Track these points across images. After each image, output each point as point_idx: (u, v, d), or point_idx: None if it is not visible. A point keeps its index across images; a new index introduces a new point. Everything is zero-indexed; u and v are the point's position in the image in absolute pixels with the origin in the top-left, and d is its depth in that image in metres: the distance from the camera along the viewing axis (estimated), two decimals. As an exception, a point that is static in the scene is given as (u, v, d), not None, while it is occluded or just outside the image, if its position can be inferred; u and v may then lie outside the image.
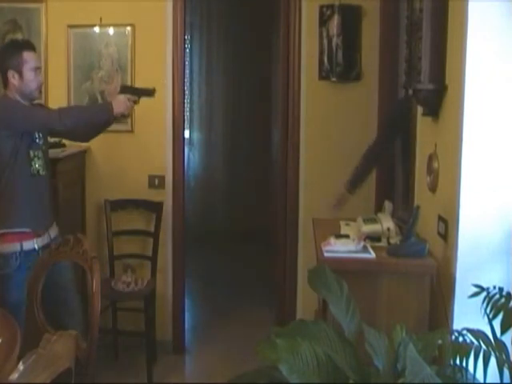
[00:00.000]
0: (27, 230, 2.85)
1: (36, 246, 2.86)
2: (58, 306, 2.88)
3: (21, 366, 1.47)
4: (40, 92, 3.09)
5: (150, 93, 3.13)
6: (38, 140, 2.93)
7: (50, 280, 2.67)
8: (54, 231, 2.99)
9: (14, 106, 2.88)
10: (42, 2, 3.85)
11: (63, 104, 3.86)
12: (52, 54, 3.89)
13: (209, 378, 3.57)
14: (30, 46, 2.97)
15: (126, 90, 3.10)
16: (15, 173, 2.84)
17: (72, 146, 3.79)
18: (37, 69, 2.94)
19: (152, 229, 3.85)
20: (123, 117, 3.09)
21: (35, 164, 2.90)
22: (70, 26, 3.85)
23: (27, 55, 2.90)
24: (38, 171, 2.91)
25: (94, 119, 3.04)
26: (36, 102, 3.10)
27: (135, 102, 3.05)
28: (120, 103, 2.95)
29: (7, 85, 2.91)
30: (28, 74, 2.88)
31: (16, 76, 2.87)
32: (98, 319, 2.29)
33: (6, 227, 2.84)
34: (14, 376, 1.44)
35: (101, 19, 3.79)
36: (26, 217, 2.87)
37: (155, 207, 3.85)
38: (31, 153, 2.88)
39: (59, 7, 3.85)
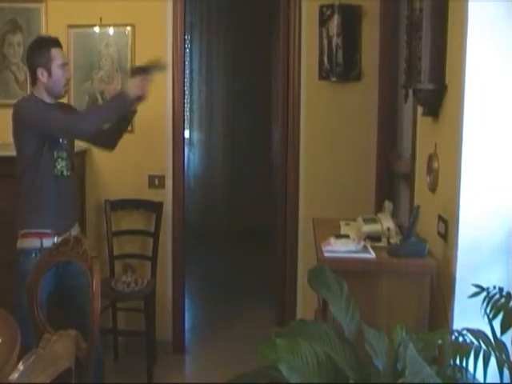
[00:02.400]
0: (48, 230, 2.86)
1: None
2: (76, 307, 2.90)
3: (21, 366, 1.47)
4: (67, 89, 3.09)
5: (161, 67, 3.02)
6: (62, 141, 2.93)
7: (72, 282, 2.79)
8: (75, 231, 2.99)
9: (32, 109, 2.87)
10: (42, 2, 3.85)
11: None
12: (52, 54, 3.88)
13: (209, 378, 3.57)
14: (57, 42, 2.97)
15: (135, 71, 3.01)
16: (39, 173, 2.86)
17: (72, 146, 3.79)
18: (64, 65, 2.94)
19: (152, 229, 3.85)
20: (142, 100, 3.00)
21: (59, 165, 2.90)
22: (70, 26, 3.85)
23: (55, 52, 2.90)
24: (62, 172, 2.91)
25: (113, 112, 2.96)
26: (64, 102, 3.13)
27: (149, 81, 2.94)
28: (133, 86, 2.88)
29: (35, 83, 2.91)
30: (57, 71, 2.88)
31: (45, 74, 2.87)
32: (98, 319, 2.29)
33: (28, 227, 2.88)
34: (14, 376, 1.44)
35: (101, 19, 3.79)
36: (47, 218, 2.88)
37: (155, 207, 3.85)
38: (55, 154, 2.88)
39: (59, 7, 3.85)
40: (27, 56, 2.97)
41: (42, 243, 2.84)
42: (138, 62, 3.82)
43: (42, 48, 2.91)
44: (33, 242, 2.85)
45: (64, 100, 3.86)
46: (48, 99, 2.92)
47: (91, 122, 2.91)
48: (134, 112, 3.11)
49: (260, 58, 6.06)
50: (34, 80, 2.92)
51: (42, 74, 2.87)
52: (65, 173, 2.93)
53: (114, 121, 3.08)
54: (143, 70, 2.97)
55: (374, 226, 2.63)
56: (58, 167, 2.90)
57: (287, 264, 3.98)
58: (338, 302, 1.98)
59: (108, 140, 3.23)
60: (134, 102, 2.95)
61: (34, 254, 2.82)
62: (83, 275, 2.86)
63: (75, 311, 2.89)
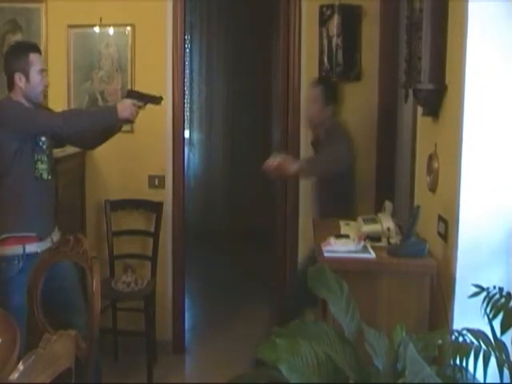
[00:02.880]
0: (31, 234, 2.82)
1: (39, 250, 2.80)
2: (65, 307, 2.88)
3: (21, 366, 1.47)
4: (45, 95, 3.06)
5: (156, 100, 3.03)
6: (42, 144, 2.90)
7: (55, 284, 2.69)
8: (56, 236, 2.96)
9: (16, 107, 2.85)
10: (42, 2, 3.85)
11: (63, 104, 3.87)
12: (52, 54, 3.89)
13: (209, 378, 3.57)
14: (35, 48, 2.95)
15: (132, 94, 3.01)
16: (19, 175, 2.82)
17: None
18: (43, 71, 2.92)
19: (152, 229, 3.84)
20: (128, 122, 3.03)
21: (39, 167, 2.86)
22: (70, 26, 3.85)
23: (33, 57, 2.87)
24: (41, 175, 2.88)
25: (99, 123, 2.98)
26: (42, 105, 3.08)
27: (140, 108, 2.96)
28: (125, 107, 2.88)
29: (12, 87, 2.87)
30: (35, 76, 2.85)
31: (23, 79, 2.84)
32: (98, 319, 2.29)
33: (10, 231, 2.81)
34: (14, 376, 1.44)
35: (101, 19, 3.79)
36: (29, 220, 2.83)
37: (155, 207, 3.85)
38: (35, 156, 2.85)
39: (59, 7, 3.85)
40: (5, 60, 2.91)
41: (24, 249, 2.78)
42: (138, 62, 3.84)
43: (20, 52, 2.88)
44: (15, 249, 2.78)
45: (64, 100, 3.88)
46: (26, 104, 2.88)
47: (75, 121, 2.88)
48: (119, 128, 3.12)
49: (260, 57, 6.06)
50: (11, 85, 2.87)
51: (19, 79, 2.83)
52: (45, 176, 2.89)
53: (97, 131, 3.07)
54: (139, 96, 2.98)
55: (374, 226, 2.63)
56: (39, 169, 2.86)
57: (287, 264, 3.98)
58: (338, 302, 1.98)
59: (91, 143, 3.25)
60: (121, 121, 2.97)
61: (16, 261, 2.77)
62: (68, 276, 2.87)
63: (64, 311, 2.85)
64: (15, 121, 2.81)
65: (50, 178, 2.93)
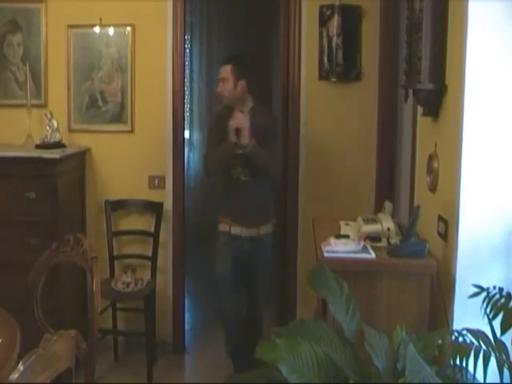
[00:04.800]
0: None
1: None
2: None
3: (21, 366, 1.46)
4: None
5: None
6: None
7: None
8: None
9: None
10: (42, 2, 3.85)
11: (63, 104, 3.87)
12: (52, 54, 3.89)
13: (209, 378, 3.57)
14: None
15: None
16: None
17: (72, 147, 3.79)
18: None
19: (152, 229, 3.84)
20: None
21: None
22: (70, 26, 3.85)
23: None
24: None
25: None
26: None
27: None
28: None
29: None
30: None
31: None
32: (98, 319, 2.29)
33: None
34: (14, 376, 1.44)
35: (101, 19, 3.79)
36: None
37: (155, 207, 3.85)
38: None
39: (59, 7, 3.85)
40: None
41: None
42: (138, 62, 3.84)
43: None
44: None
45: (64, 100, 3.88)
46: None
47: None
48: None
49: (260, 58, 6.05)
50: None
51: None
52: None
53: None
54: None
55: (374, 226, 2.63)
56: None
57: (287, 264, 3.98)
58: (338, 302, 1.98)
59: None
60: None
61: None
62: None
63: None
64: None
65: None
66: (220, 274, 3.44)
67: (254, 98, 3.43)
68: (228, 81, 3.31)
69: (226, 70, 3.32)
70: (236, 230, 3.38)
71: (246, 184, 3.36)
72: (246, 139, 3.16)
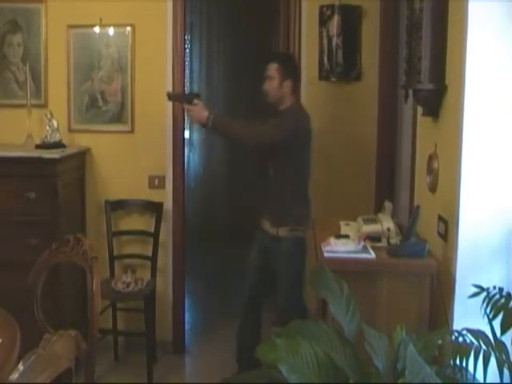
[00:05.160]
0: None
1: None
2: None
3: (21, 366, 1.46)
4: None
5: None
6: None
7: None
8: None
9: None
10: (42, 2, 3.84)
11: (63, 104, 3.87)
12: (52, 54, 3.88)
13: (209, 378, 3.57)
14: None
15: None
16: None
17: (72, 147, 3.79)
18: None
19: (152, 229, 3.84)
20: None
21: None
22: (70, 26, 3.85)
23: None
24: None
25: None
26: None
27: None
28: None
29: None
30: None
31: None
32: (98, 319, 2.29)
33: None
34: (14, 376, 1.44)
35: (101, 19, 3.78)
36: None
37: (155, 207, 3.85)
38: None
39: (59, 7, 3.85)
40: None
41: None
42: (138, 62, 3.84)
43: None
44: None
45: (64, 100, 3.88)
46: None
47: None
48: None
49: (260, 58, 6.05)
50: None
51: None
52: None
53: None
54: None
55: (374, 226, 2.63)
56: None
57: (287, 264, 3.97)
58: (338, 302, 1.98)
59: None
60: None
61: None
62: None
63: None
64: None
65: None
66: (249, 261, 3.55)
67: (296, 101, 3.37)
68: (274, 79, 3.27)
69: (273, 69, 3.29)
70: (264, 224, 3.40)
71: (272, 181, 3.36)
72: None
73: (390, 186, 3.81)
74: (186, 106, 3.18)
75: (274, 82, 3.25)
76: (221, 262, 5.97)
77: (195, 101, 3.17)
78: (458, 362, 1.77)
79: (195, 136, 6.85)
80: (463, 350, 1.75)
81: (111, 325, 3.83)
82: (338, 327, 1.95)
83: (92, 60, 3.86)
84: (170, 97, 3.40)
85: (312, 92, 3.83)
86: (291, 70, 3.31)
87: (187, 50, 6.41)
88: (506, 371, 1.76)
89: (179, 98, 3.37)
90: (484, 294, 1.96)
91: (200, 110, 3.15)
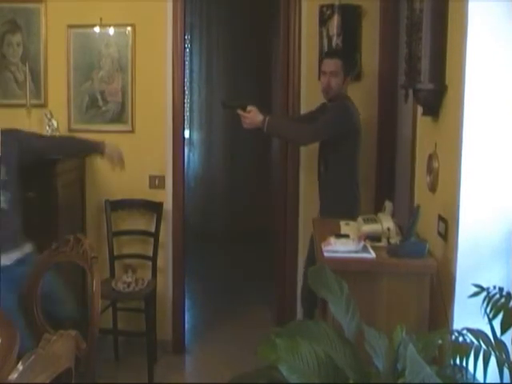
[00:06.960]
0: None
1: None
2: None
3: (20, 366, 1.46)
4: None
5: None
6: None
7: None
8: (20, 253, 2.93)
9: None
10: (42, 2, 3.85)
11: (63, 104, 3.87)
12: (52, 53, 3.88)
13: (209, 378, 3.57)
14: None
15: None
16: None
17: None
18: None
19: (152, 229, 3.84)
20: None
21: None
22: (70, 26, 3.85)
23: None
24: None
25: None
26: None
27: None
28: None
29: None
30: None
31: None
32: (98, 319, 2.29)
33: None
34: (14, 376, 1.44)
35: (101, 19, 3.79)
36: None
37: (155, 207, 3.85)
38: None
39: (59, 7, 3.85)
40: None
41: None
42: (138, 62, 3.84)
43: None
44: None
45: (64, 100, 3.88)
46: None
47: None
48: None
49: (260, 57, 6.06)
50: None
51: None
52: None
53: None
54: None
55: (374, 226, 2.63)
56: None
57: (287, 264, 3.98)
58: (338, 302, 1.98)
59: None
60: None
61: None
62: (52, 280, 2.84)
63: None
64: None
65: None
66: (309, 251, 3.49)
67: (347, 97, 3.43)
68: (338, 75, 3.32)
69: (337, 64, 3.31)
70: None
71: (323, 177, 3.43)
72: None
73: (389, 185, 3.81)
74: (242, 114, 3.23)
75: (338, 78, 3.32)
76: (221, 262, 5.98)
77: (249, 107, 3.22)
78: (458, 361, 1.77)
79: (195, 136, 6.86)
80: (463, 350, 1.75)
81: (111, 325, 3.83)
82: (338, 327, 1.94)
83: (92, 60, 3.86)
84: (225, 105, 3.47)
85: (312, 92, 3.83)
86: (352, 66, 3.44)
87: (187, 50, 6.41)
88: (506, 371, 1.76)
89: (234, 106, 3.35)
90: (484, 293, 1.96)
91: (254, 116, 3.22)
